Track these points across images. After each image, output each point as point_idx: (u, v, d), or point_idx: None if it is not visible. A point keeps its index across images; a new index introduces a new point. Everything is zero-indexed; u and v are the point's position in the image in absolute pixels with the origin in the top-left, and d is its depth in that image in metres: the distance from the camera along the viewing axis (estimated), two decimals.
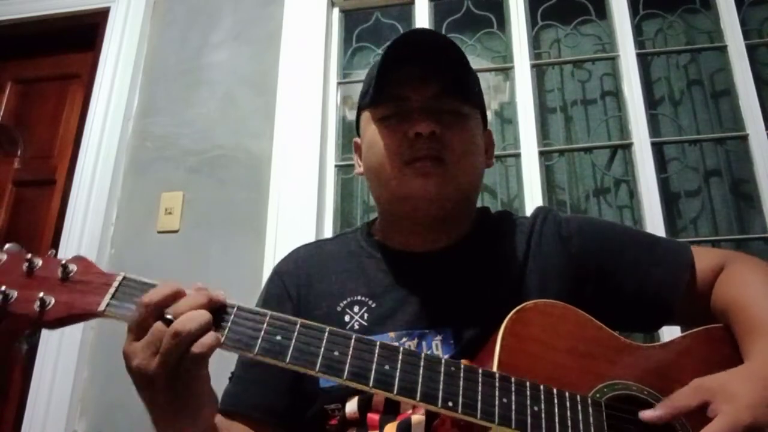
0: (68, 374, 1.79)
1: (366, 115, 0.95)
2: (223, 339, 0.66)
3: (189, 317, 0.64)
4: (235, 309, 0.69)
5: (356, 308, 0.88)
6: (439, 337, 0.84)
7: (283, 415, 0.88)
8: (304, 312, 0.90)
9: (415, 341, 0.84)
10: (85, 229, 1.96)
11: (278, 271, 0.99)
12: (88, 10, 2.31)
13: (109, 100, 2.11)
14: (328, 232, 1.92)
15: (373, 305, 0.88)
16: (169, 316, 0.63)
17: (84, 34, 2.30)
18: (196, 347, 0.63)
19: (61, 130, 2.28)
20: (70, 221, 1.99)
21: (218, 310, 0.68)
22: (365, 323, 0.86)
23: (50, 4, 2.33)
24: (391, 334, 0.84)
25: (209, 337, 0.64)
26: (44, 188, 2.21)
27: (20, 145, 2.30)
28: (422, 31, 0.88)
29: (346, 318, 0.87)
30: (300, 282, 0.94)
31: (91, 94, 2.15)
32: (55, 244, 1.98)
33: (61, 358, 1.81)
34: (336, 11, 2.22)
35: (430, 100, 0.88)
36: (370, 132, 0.92)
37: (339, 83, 2.13)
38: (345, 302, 0.89)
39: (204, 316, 0.65)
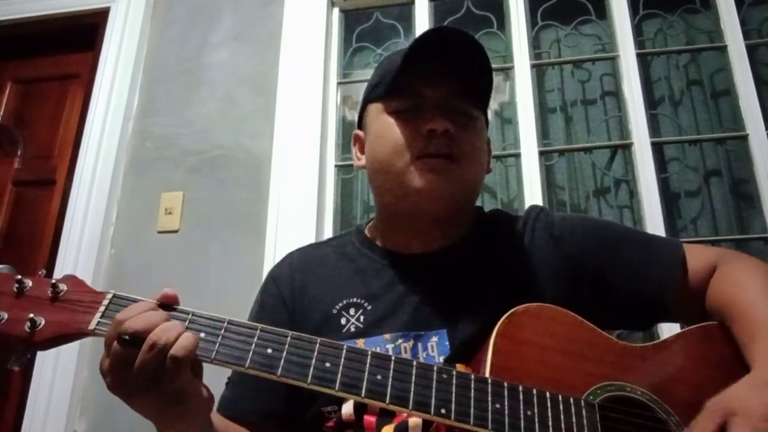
0: (68, 374, 1.80)
1: (375, 107, 0.93)
2: (214, 354, 0.67)
3: (163, 328, 0.64)
4: (190, 315, 0.69)
5: (352, 311, 0.88)
6: (434, 339, 0.83)
7: (281, 418, 0.88)
8: (299, 316, 0.91)
9: (411, 342, 0.83)
10: (85, 229, 1.96)
11: (273, 276, 0.98)
12: (88, 10, 2.31)
13: (109, 100, 2.12)
14: (328, 232, 1.92)
15: (369, 307, 0.88)
16: (125, 336, 0.63)
17: (84, 34, 2.30)
18: (178, 351, 0.63)
19: (61, 130, 2.28)
20: (70, 221, 1.99)
21: (211, 325, 0.69)
22: (361, 325, 0.86)
23: (50, 4, 2.33)
24: (387, 336, 0.84)
25: (186, 339, 0.65)
26: (44, 188, 2.21)
27: (20, 145, 2.30)
28: (450, 29, 0.87)
29: (342, 320, 0.87)
30: (295, 286, 0.94)
31: (91, 94, 2.15)
32: (55, 244, 1.99)
33: (61, 358, 1.81)
34: (336, 11, 2.22)
35: (445, 98, 0.88)
36: (380, 123, 0.91)
37: (339, 83, 2.13)
38: (341, 305, 0.89)
39: (176, 325, 0.65)
